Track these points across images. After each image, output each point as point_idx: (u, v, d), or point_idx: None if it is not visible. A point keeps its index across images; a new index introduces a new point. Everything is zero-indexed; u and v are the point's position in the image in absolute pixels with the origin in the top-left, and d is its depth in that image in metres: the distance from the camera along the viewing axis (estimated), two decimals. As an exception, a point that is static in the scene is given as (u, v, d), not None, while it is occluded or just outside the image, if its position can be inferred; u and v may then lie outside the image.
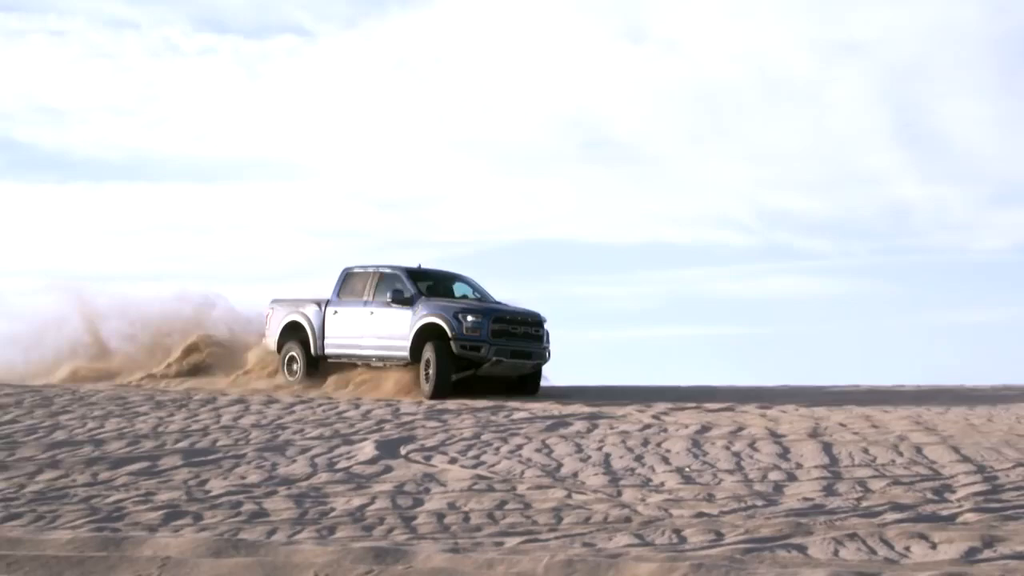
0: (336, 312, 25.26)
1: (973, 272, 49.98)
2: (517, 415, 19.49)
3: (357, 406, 20.63)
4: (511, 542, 10.35)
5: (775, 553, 9.81)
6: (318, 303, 25.66)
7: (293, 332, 25.95)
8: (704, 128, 52.04)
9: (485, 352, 23.05)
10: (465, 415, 19.46)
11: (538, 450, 15.81)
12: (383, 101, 54.46)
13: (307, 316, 25.67)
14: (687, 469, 14.20)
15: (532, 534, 10.71)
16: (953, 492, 12.58)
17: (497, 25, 53.77)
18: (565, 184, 53.76)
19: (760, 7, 49.32)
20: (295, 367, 25.88)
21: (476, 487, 13.12)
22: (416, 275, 25.04)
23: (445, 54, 55.09)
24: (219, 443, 16.43)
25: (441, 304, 23.68)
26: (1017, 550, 9.84)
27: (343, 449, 15.87)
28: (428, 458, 15.20)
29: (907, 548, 10.02)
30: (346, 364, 25.49)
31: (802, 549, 9.96)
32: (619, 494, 12.67)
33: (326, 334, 25.34)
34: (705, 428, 17.64)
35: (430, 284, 25.07)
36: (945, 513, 11.46)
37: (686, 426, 17.89)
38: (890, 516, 11.30)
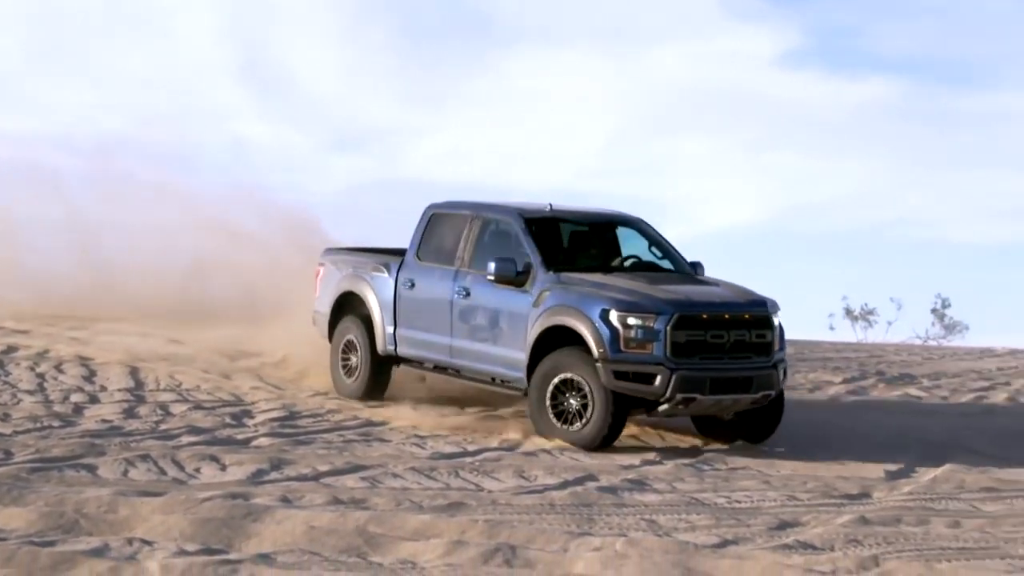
0: (412, 284, 14.25)
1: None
2: None
3: None
4: None
5: (63, 473, 9.68)
6: (386, 265, 14.72)
7: (351, 307, 15.15)
8: (40, 45, 50.05)
9: (661, 385, 12.20)
10: None
11: None
12: None
13: (371, 284, 14.79)
14: (-15, 389, 13.71)
15: None
16: (252, 417, 12.92)
17: None
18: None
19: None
20: (354, 363, 14.85)
21: None
22: (544, 225, 13.89)
23: None
24: None
25: (580, 289, 12.73)
26: (302, 472, 10.28)
27: None
28: None
29: (197, 469, 10.21)
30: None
31: (92, 469, 9.89)
32: (-95, 411, 12.02)
33: (398, 319, 14.43)
34: (11, 349, 17.03)
35: (577, 238, 14.33)
36: (241, 437, 11.75)
37: (-8, 346, 17.24)
38: (186, 439, 11.44)
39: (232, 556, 7.72)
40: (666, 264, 14.00)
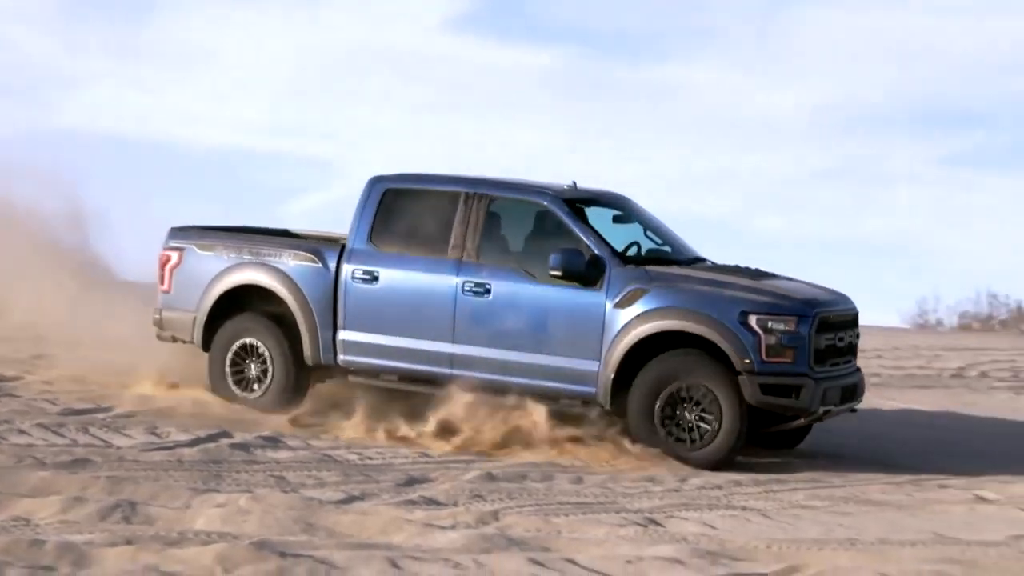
0: (374, 277, 11.76)
1: None
2: None
3: None
4: None
5: None
6: (317, 253, 12.07)
7: (247, 304, 12.31)
8: None
9: (807, 397, 10.76)
10: None
11: None
12: None
13: (290, 276, 12.04)
14: None
15: None
16: None
17: None
18: None
19: None
20: (254, 374, 12.13)
21: None
22: (578, 206, 11.83)
23: None
24: None
25: (693, 287, 11.14)
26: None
27: None
28: None
29: None
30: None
31: None
32: None
33: (345, 320, 11.85)
34: None
35: (608, 223, 12.22)
36: None
37: None
38: None
39: None
40: (668, 250, 12.15)
